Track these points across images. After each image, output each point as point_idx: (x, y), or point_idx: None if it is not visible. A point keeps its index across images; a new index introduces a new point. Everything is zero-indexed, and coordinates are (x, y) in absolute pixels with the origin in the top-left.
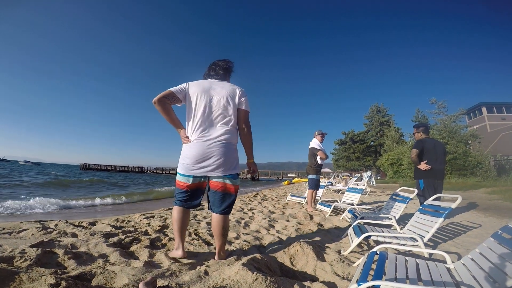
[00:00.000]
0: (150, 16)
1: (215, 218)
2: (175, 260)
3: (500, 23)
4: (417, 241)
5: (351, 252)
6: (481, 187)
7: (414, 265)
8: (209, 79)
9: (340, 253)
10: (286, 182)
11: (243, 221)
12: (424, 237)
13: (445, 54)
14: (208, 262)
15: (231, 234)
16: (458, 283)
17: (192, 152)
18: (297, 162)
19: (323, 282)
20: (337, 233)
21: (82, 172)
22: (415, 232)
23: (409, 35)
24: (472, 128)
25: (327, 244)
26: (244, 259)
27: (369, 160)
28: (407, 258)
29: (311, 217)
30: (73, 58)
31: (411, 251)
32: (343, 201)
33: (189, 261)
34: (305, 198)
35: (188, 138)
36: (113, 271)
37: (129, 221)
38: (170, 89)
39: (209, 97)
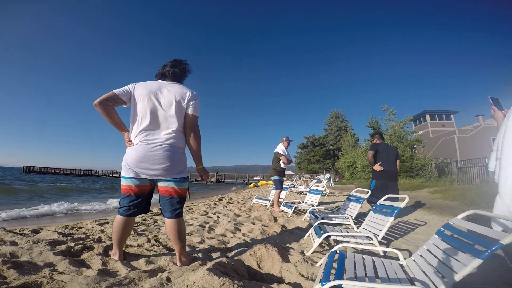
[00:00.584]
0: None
1: (168, 223)
2: (133, 267)
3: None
4: (372, 239)
5: (314, 252)
6: (425, 187)
7: (371, 263)
8: (160, 80)
9: (304, 253)
10: (251, 185)
11: (207, 225)
12: (378, 235)
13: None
14: (170, 269)
15: (195, 239)
16: (411, 279)
17: (135, 155)
18: (262, 165)
19: (289, 283)
20: (300, 234)
21: (25, 175)
22: (370, 231)
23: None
24: (417, 134)
25: (291, 245)
26: (209, 264)
27: (328, 163)
28: (364, 256)
29: (275, 219)
30: None
31: (367, 249)
32: (305, 203)
33: (149, 267)
34: (269, 200)
35: (131, 141)
36: (62, 281)
37: (79, 228)
38: (114, 91)
39: (156, 99)
